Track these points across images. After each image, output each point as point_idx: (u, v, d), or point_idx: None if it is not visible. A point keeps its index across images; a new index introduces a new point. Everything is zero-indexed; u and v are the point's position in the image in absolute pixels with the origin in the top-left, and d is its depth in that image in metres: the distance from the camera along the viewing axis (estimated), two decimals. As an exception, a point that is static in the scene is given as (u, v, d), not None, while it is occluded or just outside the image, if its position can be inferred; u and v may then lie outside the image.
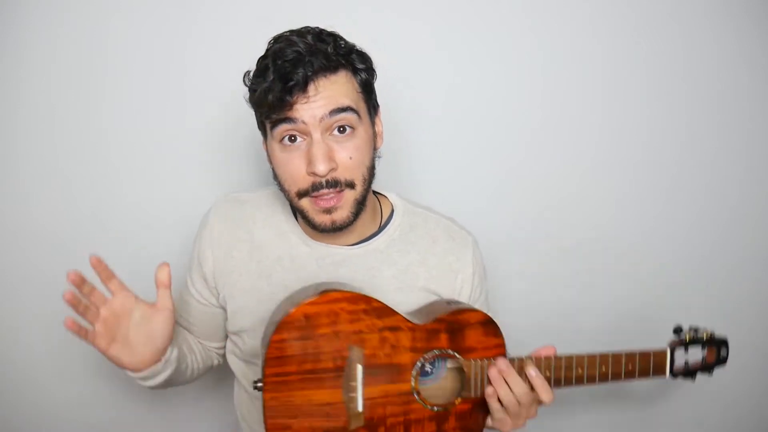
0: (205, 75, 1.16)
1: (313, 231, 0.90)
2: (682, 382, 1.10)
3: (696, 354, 0.94)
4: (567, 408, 1.43)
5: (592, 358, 0.88)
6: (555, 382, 0.87)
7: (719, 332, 0.98)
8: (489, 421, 0.90)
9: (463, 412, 0.87)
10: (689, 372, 0.95)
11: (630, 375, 0.90)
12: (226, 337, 1.02)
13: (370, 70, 0.86)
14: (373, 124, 0.88)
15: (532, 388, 0.85)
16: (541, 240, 1.33)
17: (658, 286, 1.38)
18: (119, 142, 1.18)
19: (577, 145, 1.28)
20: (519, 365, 0.85)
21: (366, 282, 0.91)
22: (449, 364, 0.90)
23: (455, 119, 1.24)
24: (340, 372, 0.80)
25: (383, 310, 0.81)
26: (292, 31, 0.82)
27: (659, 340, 1.41)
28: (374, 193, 0.98)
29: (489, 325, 0.85)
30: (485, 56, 1.21)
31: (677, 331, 0.94)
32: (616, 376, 0.90)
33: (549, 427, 1.35)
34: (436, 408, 0.85)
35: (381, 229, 0.96)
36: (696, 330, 0.95)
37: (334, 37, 0.83)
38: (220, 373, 1.09)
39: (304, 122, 0.79)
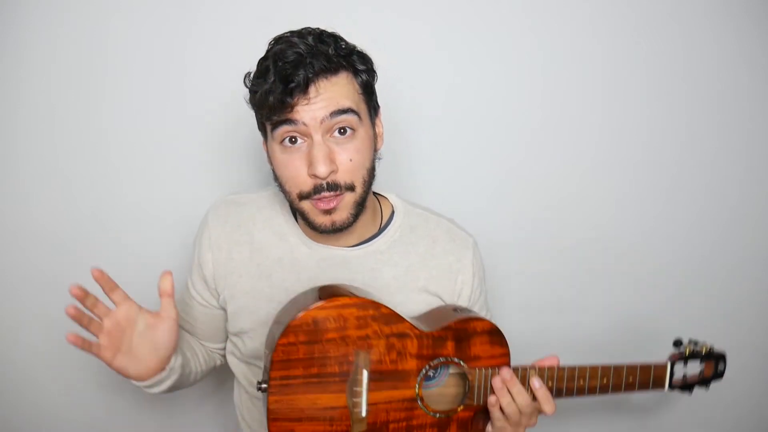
0: (205, 75, 1.16)
1: (313, 232, 0.90)
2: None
3: (694, 367, 0.95)
4: (566, 412, 1.43)
5: (594, 369, 0.88)
6: (557, 392, 0.88)
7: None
8: (489, 428, 0.90)
9: (465, 419, 0.87)
10: (687, 385, 0.96)
11: (630, 387, 0.91)
12: (227, 338, 1.02)
13: (371, 72, 0.86)
14: (373, 125, 0.88)
15: (534, 398, 0.86)
16: (541, 240, 1.33)
17: (657, 286, 1.38)
18: (119, 142, 1.18)
19: (577, 145, 1.28)
20: (522, 375, 0.86)
21: (366, 283, 0.91)
22: (452, 369, 0.90)
23: (455, 119, 1.24)
24: (346, 377, 0.80)
25: (391, 317, 0.81)
26: (292, 32, 0.82)
27: (659, 340, 1.41)
28: (374, 194, 0.98)
29: (495, 335, 0.86)
30: (485, 56, 1.21)
31: (677, 344, 0.95)
32: (617, 388, 0.91)
33: None
34: (438, 415, 0.86)
35: (381, 230, 0.96)
36: (695, 343, 0.95)
37: (335, 38, 0.83)
38: (220, 374, 1.09)
39: (304, 124, 0.79)
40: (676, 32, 1.22)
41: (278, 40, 0.82)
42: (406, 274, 0.94)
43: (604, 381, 0.89)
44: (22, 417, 1.30)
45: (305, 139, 0.81)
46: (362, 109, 0.84)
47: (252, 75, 0.84)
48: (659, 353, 1.42)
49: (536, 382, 0.85)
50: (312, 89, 0.78)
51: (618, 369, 0.89)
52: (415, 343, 0.82)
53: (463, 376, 0.87)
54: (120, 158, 1.19)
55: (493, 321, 1.07)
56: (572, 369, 0.88)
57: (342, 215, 0.84)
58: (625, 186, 1.31)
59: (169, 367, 0.86)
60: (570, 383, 0.88)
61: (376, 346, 0.81)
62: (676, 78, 1.25)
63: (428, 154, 1.26)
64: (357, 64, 0.83)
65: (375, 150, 0.88)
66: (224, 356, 1.06)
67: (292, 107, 0.78)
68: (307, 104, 0.78)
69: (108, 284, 0.78)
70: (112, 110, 1.16)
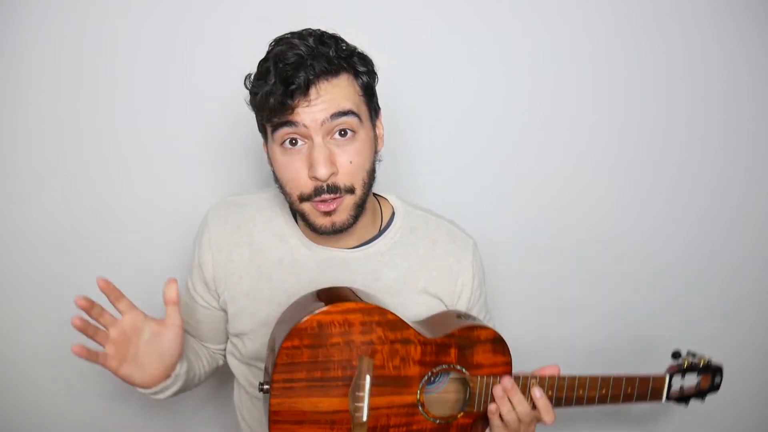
0: (205, 75, 1.16)
1: (313, 234, 0.90)
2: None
3: (691, 379, 0.96)
4: (564, 422, 1.43)
5: (594, 380, 0.89)
6: (556, 401, 0.89)
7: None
8: None
9: (464, 425, 0.88)
10: (683, 397, 0.97)
11: (628, 398, 0.92)
12: (228, 338, 1.02)
13: (372, 73, 0.86)
14: (374, 127, 0.88)
15: (533, 407, 0.86)
16: (541, 240, 1.33)
17: (657, 286, 1.38)
18: (119, 142, 1.18)
19: (577, 145, 1.28)
20: (523, 384, 0.86)
21: (366, 285, 0.91)
22: (453, 374, 0.90)
23: (455, 119, 1.24)
24: (348, 381, 0.80)
25: (396, 323, 0.81)
26: (293, 34, 0.82)
27: (659, 340, 1.41)
28: (374, 195, 0.98)
29: (498, 343, 0.86)
30: (485, 56, 1.21)
31: (675, 355, 0.96)
32: (615, 399, 0.91)
33: None
34: (438, 421, 0.86)
35: (381, 231, 0.96)
36: (694, 355, 0.96)
37: (336, 40, 0.82)
38: (220, 375, 1.09)
39: (305, 126, 0.79)
40: (676, 32, 1.22)
41: (279, 42, 0.82)
42: (406, 275, 0.94)
43: (603, 391, 0.90)
44: (22, 417, 1.30)
45: (306, 141, 0.81)
46: (363, 111, 0.84)
47: (252, 76, 0.83)
48: (659, 354, 1.42)
49: (537, 392, 0.86)
50: (313, 91, 0.78)
51: (617, 380, 0.90)
52: (418, 349, 0.82)
53: (463, 381, 0.87)
54: (120, 158, 1.19)
55: (494, 325, 1.08)
56: (572, 379, 0.88)
57: (342, 217, 0.84)
58: (625, 186, 1.31)
59: (175, 374, 0.86)
60: (570, 393, 0.89)
61: (379, 352, 0.81)
62: (676, 78, 1.25)
63: (428, 154, 1.26)
64: (358, 66, 0.83)
65: (375, 152, 0.88)
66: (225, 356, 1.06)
67: (292, 109, 0.78)
68: (307, 106, 0.78)
69: (114, 294, 0.78)
70: (112, 110, 1.16)
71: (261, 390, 0.80)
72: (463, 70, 1.22)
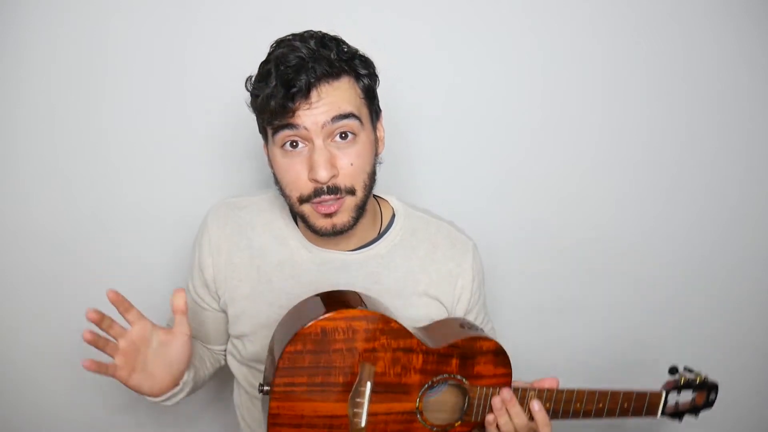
0: (205, 75, 1.16)
1: (313, 236, 0.90)
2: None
3: (686, 395, 0.96)
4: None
5: (591, 394, 0.90)
6: (553, 413, 0.90)
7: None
8: None
9: None
10: (678, 413, 0.97)
11: (624, 413, 0.93)
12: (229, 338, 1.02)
13: (373, 76, 0.85)
14: (374, 129, 0.88)
15: (531, 418, 0.87)
16: (541, 240, 1.33)
17: (657, 286, 1.38)
18: (119, 142, 1.18)
19: (577, 145, 1.28)
20: (522, 396, 0.87)
21: (366, 287, 0.91)
22: (452, 381, 0.90)
23: (455, 119, 1.24)
24: (349, 387, 0.81)
25: (400, 332, 0.81)
26: (294, 35, 0.82)
27: (658, 341, 1.41)
28: (374, 197, 0.98)
29: (500, 355, 0.86)
30: (485, 56, 1.21)
31: (672, 371, 0.96)
32: (611, 413, 0.92)
33: None
34: (435, 429, 0.86)
35: (382, 234, 0.96)
36: (690, 371, 0.96)
37: (337, 42, 0.82)
38: (221, 375, 1.09)
39: (306, 128, 0.79)
40: (676, 32, 1.22)
41: (280, 44, 0.82)
42: (406, 278, 0.94)
43: (600, 405, 0.91)
44: (22, 417, 1.30)
45: (306, 143, 0.81)
46: (364, 113, 0.83)
47: (253, 78, 0.83)
48: (658, 354, 1.42)
49: (536, 405, 0.86)
50: (314, 94, 0.78)
51: (615, 394, 0.91)
52: (420, 358, 0.83)
53: (463, 389, 0.88)
54: (120, 158, 1.19)
55: (493, 326, 1.08)
56: (570, 392, 0.89)
57: (343, 218, 0.84)
58: (625, 186, 1.31)
59: (183, 382, 0.86)
60: (567, 406, 0.90)
61: (381, 359, 0.81)
62: (676, 78, 1.25)
63: (428, 154, 1.26)
64: (359, 69, 0.83)
65: (376, 154, 0.88)
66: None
67: (293, 112, 0.78)
68: (308, 109, 0.78)
69: (123, 305, 0.78)
70: (112, 110, 1.16)
71: (261, 392, 0.80)
72: (463, 70, 1.22)
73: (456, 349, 0.84)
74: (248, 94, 0.84)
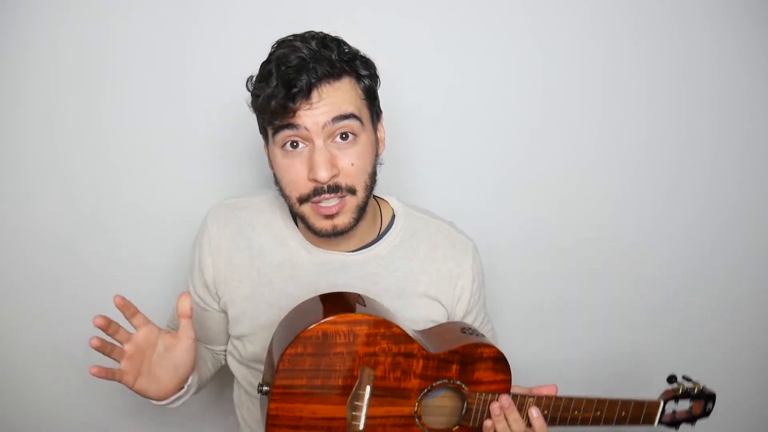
0: (205, 75, 1.16)
1: (313, 237, 0.90)
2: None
3: (683, 404, 0.96)
4: None
5: (590, 402, 0.90)
6: (550, 420, 0.90)
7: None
8: None
9: None
10: (675, 422, 0.97)
11: (621, 421, 0.93)
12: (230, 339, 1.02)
13: (374, 77, 0.85)
14: (375, 130, 0.88)
15: (528, 425, 0.87)
16: (541, 240, 1.33)
17: (657, 286, 1.38)
18: (119, 142, 1.18)
19: (577, 145, 1.28)
20: (520, 402, 0.87)
21: (366, 288, 0.91)
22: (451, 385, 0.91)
23: (455, 119, 1.24)
24: (348, 390, 0.81)
25: (401, 337, 0.81)
26: (295, 36, 0.82)
27: (658, 340, 1.41)
28: (374, 197, 0.98)
29: (500, 362, 0.86)
30: (485, 56, 1.21)
31: (671, 380, 0.96)
32: (608, 421, 0.92)
33: None
34: None
35: (382, 234, 0.96)
36: (689, 380, 0.96)
37: (338, 43, 0.82)
38: (221, 375, 1.09)
39: (306, 129, 0.79)
40: (676, 32, 1.22)
41: (281, 44, 0.82)
42: (406, 278, 0.94)
43: (598, 413, 0.91)
44: (22, 417, 1.30)
45: (307, 143, 0.81)
46: (364, 114, 0.83)
47: (254, 78, 0.83)
48: (658, 355, 1.42)
49: (534, 412, 0.87)
50: (314, 94, 0.78)
51: (613, 403, 0.91)
52: (420, 363, 0.83)
53: (462, 394, 0.88)
54: (120, 158, 1.19)
55: (492, 327, 1.08)
56: (569, 400, 0.89)
57: (344, 220, 0.84)
58: (625, 186, 1.31)
59: (187, 385, 0.86)
60: (565, 413, 0.90)
61: (382, 364, 0.81)
62: (676, 78, 1.25)
63: (428, 154, 1.26)
64: (360, 70, 0.83)
65: (376, 155, 0.88)
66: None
67: (294, 112, 0.78)
68: (309, 109, 0.78)
69: (130, 310, 0.78)
70: (112, 110, 1.16)
71: (260, 392, 0.81)
72: (463, 70, 1.22)
73: (456, 354, 0.84)
74: (249, 94, 0.84)
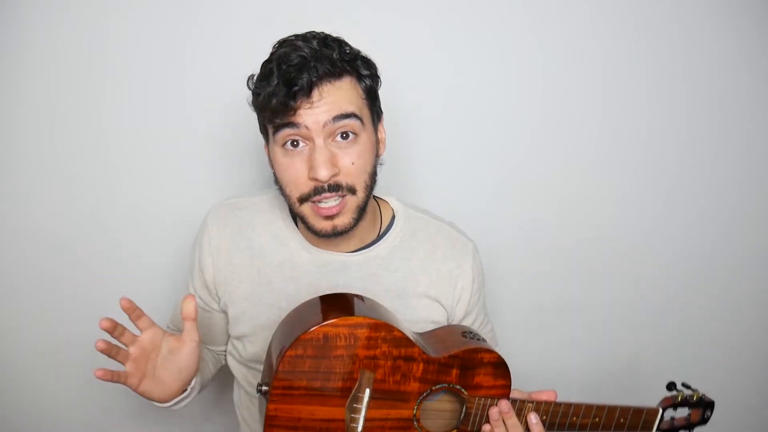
0: (205, 75, 1.16)
1: (313, 237, 0.90)
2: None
3: (682, 411, 0.96)
4: None
5: (588, 408, 0.90)
6: (549, 425, 0.90)
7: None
8: None
9: None
10: (673, 429, 0.98)
11: (620, 428, 0.93)
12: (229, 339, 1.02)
13: (375, 77, 0.85)
14: (376, 130, 0.88)
15: (527, 429, 0.87)
16: (541, 240, 1.33)
17: (657, 286, 1.38)
18: (119, 142, 1.18)
19: (577, 145, 1.28)
20: (519, 407, 0.87)
21: (366, 288, 0.91)
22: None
23: (455, 119, 1.24)
24: (347, 392, 0.81)
25: (402, 341, 0.81)
26: (297, 36, 0.82)
27: (658, 340, 1.41)
28: (374, 197, 0.98)
29: (500, 367, 0.87)
30: (485, 56, 1.21)
31: (670, 387, 0.96)
32: (607, 428, 0.92)
33: None
34: None
35: (382, 235, 0.96)
36: (688, 387, 0.97)
37: (340, 43, 0.82)
38: (221, 375, 1.09)
39: (307, 127, 0.79)
40: (676, 32, 1.22)
41: (282, 44, 0.82)
42: (406, 279, 0.94)
43: (596, 420, 0.91)
44: (22, 417, 1.30)
45: (307, 142, 0.81)
46: (365, 114, 0.83)
47: (255, 77, 0.83)
48: (658, 355, 1.42)
49: (533, 418, 0.87)
50: (315, 93, 0.78)
51: (612, 409, 0.91)
52: (420, 367, 0.83)
53: (460, 396, 0.88)
54: (120, 158, 1.19)
55: (492, 328, 1.08)
56: (568, 406, 0.89)
57: (344, 220, 0.84)
58: (625, 186, 1.31)
59: (190, 387, 0.87)
60: (563, 419, 0.90)
61: (382, 367, 0.81)
62: (676, 78, 1.25)
63: (428, 154, 1.26)
64: (361, 69, 0.83)
65: (377, 155, 0.88)
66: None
67: (294, 110, 0.78)
68: (310, 108, 0.78)
69: (135, 313, 0.78)
70: (112, 110, 1.16)
71: (259, 391, 0.81)
72: (463, 70, 1.22)
73: (457, 359, 0.84)
74: (249, 93, 0.84)
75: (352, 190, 0.83)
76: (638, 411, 0.92)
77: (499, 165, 1.28)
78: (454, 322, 0.98)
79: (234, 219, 0.95)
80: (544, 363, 1.41)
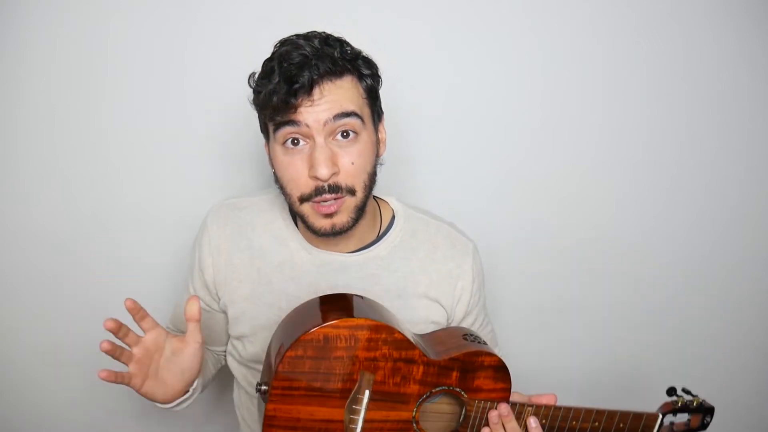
0: (205, 75, 1.16)
1: (313, 237, 0.90)
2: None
3: (681, 416, 0.96)
4: None
5: (588, 412, 0.90)
6: (548, 429, 0.90)
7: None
8: None
9: None
10: None
11: None
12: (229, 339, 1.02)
13: (376, 77, 0.86)
14: (376, 130, 0.88)
15: None
16: (541, 240, 1.33)
17: (657, 286, 1.38)
18: (119, 142, 1.18)
19: (577, 145, 1.28)
20: (519, 411, 0.87)
21: (366, 289, 0.91)
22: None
23: (455, 119, 1.24)
24: (347, 393, 0.81)
25: (403, 343, 0.81)
26: (298, 35, 0.82)
27: (658, 340, 1.41)
28: (374, 198, 0.98)
29: (500, 371, 0.87)
30: (485, 56, 1.21)
31: (670, 392, 0.96)
32: None
33: None
34: None
35: (381, 235, 0.96)
36: (688, 393, 0.97)
37: (341, 42, 0.82)
38: (221, 375, 1.09)
39: (307, 125, 0.79)
40: (676, 32, 1.22)
41: (284, 43, 0.82)
42: (406, 279, 0.94)
43: (596, 424, 0.91)
44: (22, 417, 1.30)
45: (307, 141, 0.81)
46: (366, 113, 0.84)
47: (256, 75, 0.83)
48: (658, 355, 1.42)
49: (533, 422, 0.87)
50: (316, 91, 0.78)
51: (611, 414, 0.91)
52: (420, 369, 0.83)
53: (461, 400, 0.88)
54: (120, 158, 1.19)
55: (492, 329, 1.08)
56: (567, 410, 0.89)
57: (343, 219, 0.84)
58: (625, 186, 1.31)
59: (192, 388, 0.87)
60: (563, 423, 0.90)
61: (382, 368, 0.81)
62: (676, 78, 1.25)
63: (428, 154, 1.26)
64: (362, 69, 0.83)
65: (377, 155, 0.88)
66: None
67: (295, 108, 0.78)
68: (310, 106, 0.78)
69: (140, 313, 0.78)
70: (112, 110, 1.16)
71: (258, 391, 0.81)
72: (463, 70, 1.22)
73: (457, 362, 0.84)
74: (250, 92, 0.84)
75: (352, 191, 0.83)
76: (638, 416, 0.92)
77: (499, 165, 1.28)
78: (454, 323, 0.98)
79: (234, 219, 0.95)
80: (544, 363, 1.41)
